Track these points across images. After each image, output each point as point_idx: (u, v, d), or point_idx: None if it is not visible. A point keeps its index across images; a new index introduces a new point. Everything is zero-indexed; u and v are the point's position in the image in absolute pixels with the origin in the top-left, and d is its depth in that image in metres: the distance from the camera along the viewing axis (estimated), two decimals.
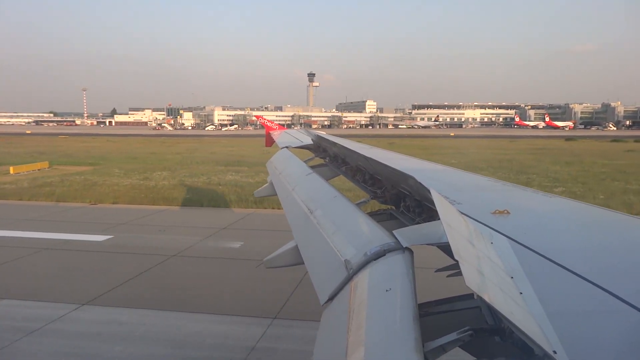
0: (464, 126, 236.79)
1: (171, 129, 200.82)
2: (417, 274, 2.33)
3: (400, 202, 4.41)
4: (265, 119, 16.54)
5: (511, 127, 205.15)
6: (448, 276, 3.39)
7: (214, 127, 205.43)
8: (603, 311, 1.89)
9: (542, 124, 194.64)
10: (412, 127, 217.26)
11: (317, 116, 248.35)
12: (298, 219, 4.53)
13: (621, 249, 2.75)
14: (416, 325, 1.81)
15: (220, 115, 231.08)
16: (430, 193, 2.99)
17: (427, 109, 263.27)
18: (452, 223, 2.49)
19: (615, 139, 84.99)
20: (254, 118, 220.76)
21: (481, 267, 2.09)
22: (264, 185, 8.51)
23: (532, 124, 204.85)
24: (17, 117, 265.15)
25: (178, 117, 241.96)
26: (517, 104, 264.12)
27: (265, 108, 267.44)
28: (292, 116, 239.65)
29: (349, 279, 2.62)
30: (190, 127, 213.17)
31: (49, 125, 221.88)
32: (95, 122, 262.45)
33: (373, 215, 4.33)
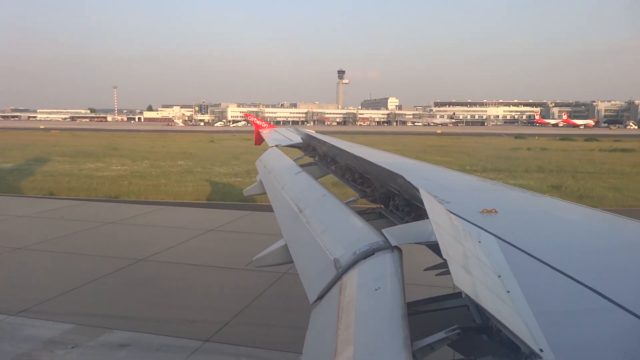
0: (486, 124, 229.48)
1: (182, 125, 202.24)
2: (405, 272, 2.33)
3: (389, 201, 4.42)
4: (254, 117, 16.41)
5: (533, 125, 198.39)
6: (436, 275, 3.41)
7: (222, 123, 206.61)
8: (589, 310, 1.91)
9: (562, 122, 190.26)
10: (429, 124, 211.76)
11: (331, 113, 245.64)
12: (287, 218, 4.52)
13: (608, 248, 2.78)
14: (405, 324, 1.82)
15: (233, 112, 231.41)
16: (419, 192, 3.00)
17: (449, 106, 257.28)
18: (440, 222, 2.50)
19: (565, 138, 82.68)
20: (265, 115, 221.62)
21: (469, 266, 2.10)
22: (253, 184, 8.47)
23: (552, 122, 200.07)
24: (56, 113, 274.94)
25: (192, 113, 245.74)
26: (544, 101, 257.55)
27: (282, 105, 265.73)
28: (306, 113, 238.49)
29: (338, 278, 2.62)
30: (202, 124, 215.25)
31: (81, 122, 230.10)
32: (125, 118, 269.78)
33: (362, 214, 4.34)
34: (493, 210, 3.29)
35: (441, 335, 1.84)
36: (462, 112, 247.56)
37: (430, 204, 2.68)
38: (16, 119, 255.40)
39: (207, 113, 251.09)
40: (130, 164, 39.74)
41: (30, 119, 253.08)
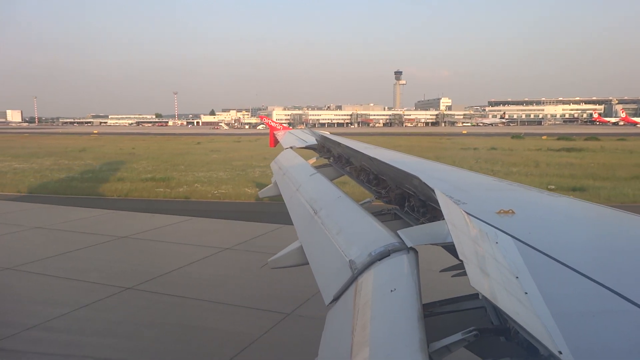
0: (543, 123, 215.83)
1: (227, 128, 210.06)
2: (421, 274, 2.32)
3: (404, 202, 4.40)
4: (269, 119, 16.46)
5: (593, 124, 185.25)
6: (453, 276, 3.39)
7: (264, 126, 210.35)
8: (609, 311, 1.88)
9: (622, 121, 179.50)
10: (478, 124, 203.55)
11: (375, 115, 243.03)
12: (302, 219, 4.53)
13: (627, 249, 2.73)
14: (421, 326, 1.81)
15: (278, 115, 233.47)
16: (434, 193, 2.98)
17: (504, 105, 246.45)
18: (456, 223, 2.49)
19: (563, 137, 77.72)
20: (309, 118, 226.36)
21: (486, 267, 2.09)
22: (268, 186, 8.51)
23: (613, 120, 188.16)
24: (125, 119, 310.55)
25: (241, 117, 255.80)
26: (608, 98, 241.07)
27: (328, 107, 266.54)
28: (351, 115, 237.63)
29: (353, 279, 2.62)
30: (247, 127, 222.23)
31: (143, 126, 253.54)
32: (185, 123, 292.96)
33: (377, 215, 4.33)
34: (510, 211, 3.26)
35: (458, 336, 1.82)
36: (516, 112, 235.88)
37: (446, 205, 2.66)
38: (89, 124, 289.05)
39: (254, 116, 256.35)
40: (40, 163, 44.47)
41: (102, 124, 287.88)
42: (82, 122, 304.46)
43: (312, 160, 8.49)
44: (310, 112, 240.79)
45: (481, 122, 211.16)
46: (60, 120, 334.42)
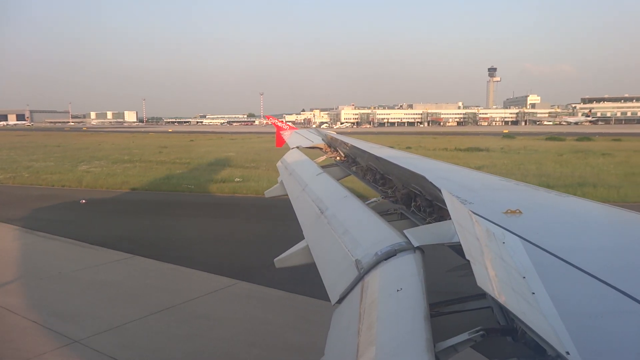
0: None
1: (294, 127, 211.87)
2: (428, 273, 2.32)
3: (411, 201, 4.39)
4: (275, 119, 16.41)
5: None
6: (459, 276, 3.38)
7: (327, 125, 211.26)
8: (616, 311, 1.87)
9: None
10: (560, 123, 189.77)
11: (447, 113, 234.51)
12: (309, 219, 4.54)
13: (634, 249, 2.72)
14: (427, 326, 1.81)
15: (347, 114, 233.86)
16: (441, 192, 2.97)
17: (601, 102, 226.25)
18: (463, 223, 2.48)
19: (553, 138, 71.78)
20: (377, 116, 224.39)
21: (493, 267, 2.08)
22: (275, 186, 8.51)
23: None
24: (219, 118, 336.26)
25: (311, 117, 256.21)
26: None
27: (400, 107, 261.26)
28: (421, 114, 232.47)
29: (359, 279, 2.62)
30: (314, 126, 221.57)
31: (231, 125, 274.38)
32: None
33: (383, 215, 4.32)
34: (517, 211, 3.25)
35: (464, 336, 1.82)
36: (611, 109, 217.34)
37: (452, 205, 2.66)
38: (187, 123, 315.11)
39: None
40: None
41: (198, 123, 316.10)
42: (181, 122, 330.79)
43: (319, 160, 8.50)
44: (378, 111, 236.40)
45: (564, 121, 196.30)
46: (164, 120, 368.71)
